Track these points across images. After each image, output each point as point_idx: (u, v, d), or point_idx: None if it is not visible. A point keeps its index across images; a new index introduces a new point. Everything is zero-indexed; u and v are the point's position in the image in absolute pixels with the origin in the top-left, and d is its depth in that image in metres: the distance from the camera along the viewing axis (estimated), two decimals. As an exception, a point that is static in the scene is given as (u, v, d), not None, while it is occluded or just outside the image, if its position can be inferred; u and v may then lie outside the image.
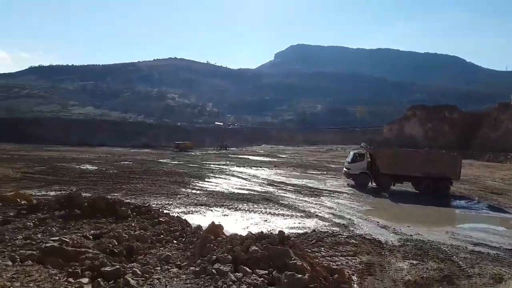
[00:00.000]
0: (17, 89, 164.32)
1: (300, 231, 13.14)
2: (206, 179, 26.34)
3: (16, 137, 66.68)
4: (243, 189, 22.80)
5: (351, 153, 28.67)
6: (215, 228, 7.57)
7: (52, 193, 17.62)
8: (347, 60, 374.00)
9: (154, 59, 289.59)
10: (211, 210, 16.24)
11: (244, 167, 37.09)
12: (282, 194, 21.33)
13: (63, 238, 7.32)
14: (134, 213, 9.80)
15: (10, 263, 6.45)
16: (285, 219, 15.30)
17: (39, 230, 8.40)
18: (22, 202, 11.28)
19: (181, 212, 15.09)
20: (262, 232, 7.61)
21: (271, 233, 7.22)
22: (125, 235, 7.73)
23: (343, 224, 14.65)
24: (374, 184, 26.56)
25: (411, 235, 13.52)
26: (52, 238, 7.58)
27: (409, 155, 26.60)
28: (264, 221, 14.78)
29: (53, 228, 8.50)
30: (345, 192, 23.28)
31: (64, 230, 8.45)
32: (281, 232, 6.98)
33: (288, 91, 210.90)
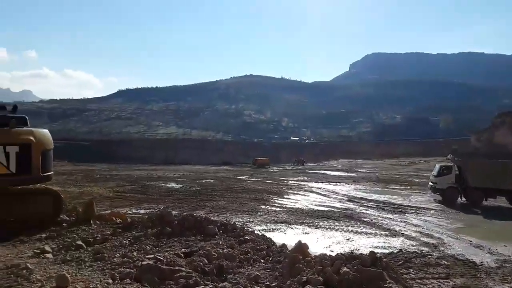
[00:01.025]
0: (107, 111, 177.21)
1: (386, 251, 12.66)
2: (285, 196, 26.37)
3: (108, 157, 71.44)
4: (323, 205, 22.51)
5: (437, 165, 27.25)
6: (302, 247, 7.55)
7: (142, 211, 18.62)
8: (428, 67, 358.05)
9: (231, 77, 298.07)
10: (292, 228, 16.19)
11: (322, 182, 36.66)
12: (364, 211, 20.75)
13: (158, 256, 7.68)
14: (221, 231, 10.06)
15: (110, 281, 6.88)
16: (368, 237, 14.84)
17: (135, 248, 8.89)
18: (118, 221, 12.05)
19: (262, 229, 15.20)
20: (352, 252, 7.45)
21: (362, 253, 7.05)
22: (214, 254, 7.94)
23: (433, 244, 13.90)
24: (463, 199, 24.96)
25: (509, 256, 12.50)
26: (147, 256, 7.99)
27: (502, 166, 24.66)
28: (347, 239, 14.44)
29: (147, 246, 8.95)
30: (432, 209, 22.13)
31: (157, 248, 8.86)
32: (372, 252, 6.79)
33: (364, 102, 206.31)
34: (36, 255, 8.72)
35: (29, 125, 10.81)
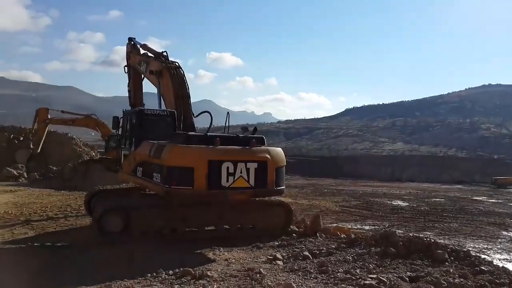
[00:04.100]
0: (335, 129, 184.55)
1: None
2: (536, 222, 22.39)
3: (335, 172, 73.90)
4: None
5: None
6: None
7: (367, 228, 18.53)
8: None
9: (465, 89, 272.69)
10: (546, 261, 13.64)
11: None
12: None
13: (381, 277, 7.52)
14: (452, 258, 9.18)
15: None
16: None
17: (358, 265, 8.90)
18: (342, 236, 12.30)
19: (504, 259, 13.46)
20: None
21: None
22: (444, 282, 7.30)
23: None
24: None
25: None
26: (370, 276, 7.90)
27: None
28: None
29: (370, 265, 8.85)
30: None
31: (381, 268, 8.67)
32: None
33: None
34: (269, 261, 9.62)
35: (266, 145, 12.10)
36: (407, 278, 7.80)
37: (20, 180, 29.43)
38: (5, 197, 20.99)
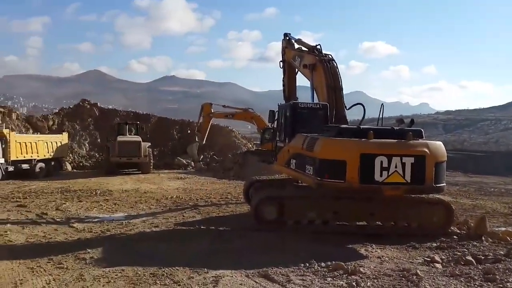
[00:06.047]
0: (505, 121, 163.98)
1: None
2: None
3: (503, 170, 65.98)
4: None
5: None
6: None
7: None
8: None
9: None
10: None
11: None
12: None
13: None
14: None
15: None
16: None
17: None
18: (513, 241, 10.96)
19: None
20: None
21: None
22: None
23: None
24: None
25: None
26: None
27: None
28: None
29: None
30: None
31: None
32: None
33: None
34: (426, 263, 9.09)
35: (424, 138, 11.43)
36: None
37: (188, 168, 32.89)
38: (177, 183, 23.79)
